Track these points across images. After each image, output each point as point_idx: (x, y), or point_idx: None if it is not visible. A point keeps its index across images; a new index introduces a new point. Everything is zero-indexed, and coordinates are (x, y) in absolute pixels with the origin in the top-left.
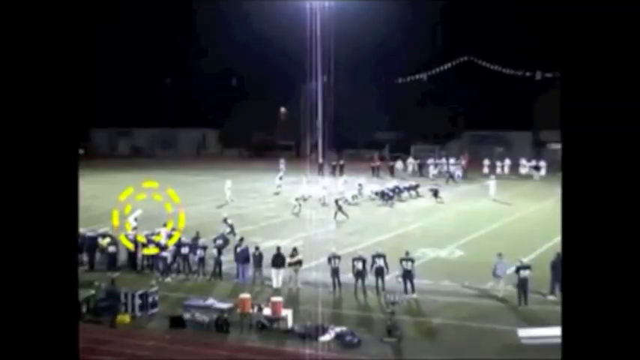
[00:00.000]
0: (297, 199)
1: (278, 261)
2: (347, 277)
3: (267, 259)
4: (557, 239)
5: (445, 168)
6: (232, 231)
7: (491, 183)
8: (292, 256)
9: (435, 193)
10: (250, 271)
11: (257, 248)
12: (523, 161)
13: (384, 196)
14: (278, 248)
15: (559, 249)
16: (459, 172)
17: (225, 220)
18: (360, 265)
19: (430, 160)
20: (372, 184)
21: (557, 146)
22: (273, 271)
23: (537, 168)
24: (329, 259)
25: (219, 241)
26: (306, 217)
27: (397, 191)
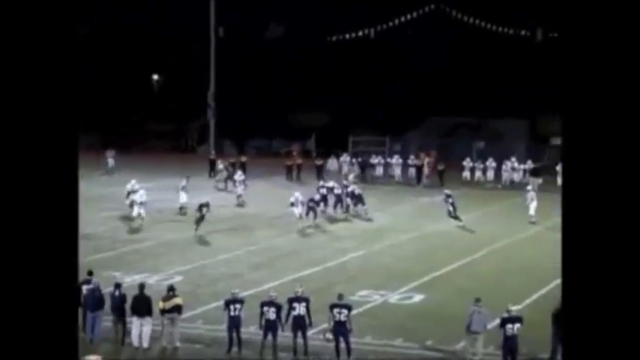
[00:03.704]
0: (182, 209)
1: (141, 306)
2: (251, 330)
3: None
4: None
5: (396, 170)
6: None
7: (530, 195)
8: (167, 298)
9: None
10: (99, 321)
11: (118, 286)
12: (515, 163)
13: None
14: (141, 287)
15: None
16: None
17: None
18: (271, 314)
19: (377, 159)
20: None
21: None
22: (135, 323)
23: (536, 172)
24: (226, 304)
25: None
26: (189, 238)
27: (327, 200)
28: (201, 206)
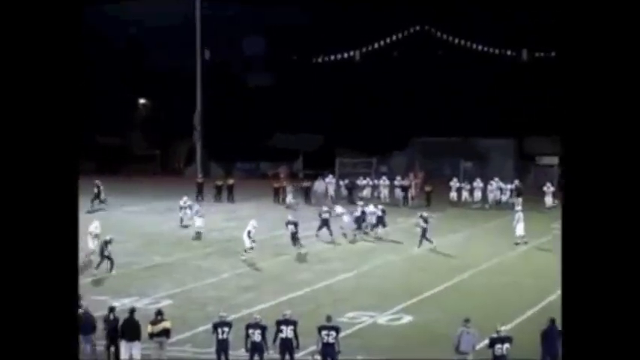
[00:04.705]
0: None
1: (131, 331)
2: (240, 353)
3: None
4: (551, 299)
5: (383, 191)
6: None
7: (517, 216)
8: (156, 322)
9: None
10: (91, 345)
11: (112, 310)
12: (500, 183)
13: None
14: (131, 311)
15: (553, 312)
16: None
17: None
18: (256, 335)
19: (364, 180)
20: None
21: (550, 160)
22: (124, 347)
23: (518, 192)
24: (214, 327)
25: None
26: (178, 262)
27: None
28: (105, 243)
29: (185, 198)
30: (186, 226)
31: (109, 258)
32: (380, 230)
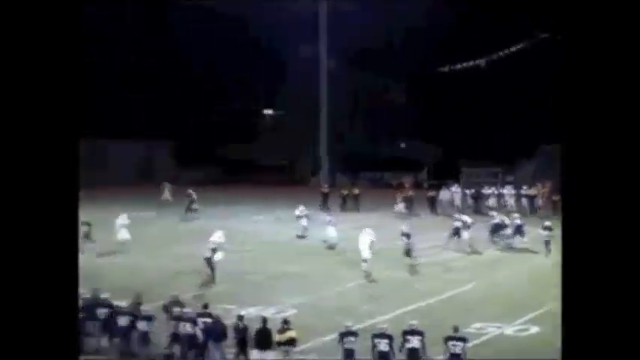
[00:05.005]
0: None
1: (263, 340)
2: None
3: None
4: None
5: (509, 200)
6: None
7: None
8: (282, 331)
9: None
10: (221, 353)
11: (240, 318)
12: None
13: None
14: (264, 320)
15: None
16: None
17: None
18: (384, 346)
19: (489, 189)
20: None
21: None
22: (255, 355)
23: None
24: (340, 337)
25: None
26: (301, 271)
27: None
28: (213, 251)
29: (302, 207)
30: (302, 237)
31: (212, 268)
32: (515, 240)
